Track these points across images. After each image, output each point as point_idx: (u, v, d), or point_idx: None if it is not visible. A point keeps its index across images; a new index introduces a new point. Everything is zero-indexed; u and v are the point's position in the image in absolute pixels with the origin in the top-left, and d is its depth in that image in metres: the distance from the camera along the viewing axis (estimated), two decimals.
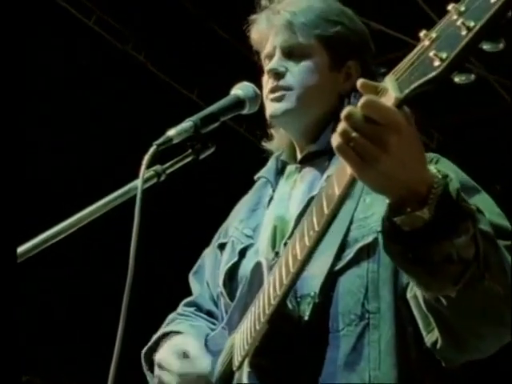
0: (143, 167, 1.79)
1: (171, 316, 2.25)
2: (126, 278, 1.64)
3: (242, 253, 2.03)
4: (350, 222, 1.78)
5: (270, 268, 1.80)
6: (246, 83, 2.03)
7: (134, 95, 5.96)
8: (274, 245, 1.94)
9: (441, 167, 1.54)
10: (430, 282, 1.48)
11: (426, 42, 1.30)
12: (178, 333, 2.11)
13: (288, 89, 1.98)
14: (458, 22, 1.25)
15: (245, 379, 1.76)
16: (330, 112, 1.96)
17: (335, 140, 1.36)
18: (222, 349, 1.95)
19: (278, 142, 2.13)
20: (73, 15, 5.71)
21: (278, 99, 1.99)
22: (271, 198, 2.08)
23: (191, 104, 6.19)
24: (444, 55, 1.26)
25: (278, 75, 2.00)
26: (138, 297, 1.68)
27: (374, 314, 1.73)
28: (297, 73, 1.99)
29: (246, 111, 2.01)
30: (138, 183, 1.76)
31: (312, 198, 1.80)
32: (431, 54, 1.28)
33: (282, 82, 1.99)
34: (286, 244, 1.86)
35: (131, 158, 1.98)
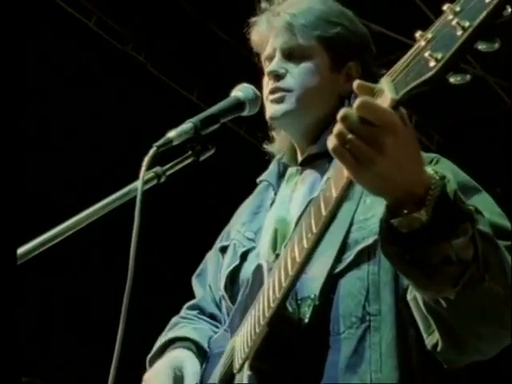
0: (143, 169, 1.78)
1: (174, 319, 2.25)
2: (126, 279, 1.64)
3: (244, 256, 2.03)
4: (350, 224, 1.78)
5: (270, 270, 1.80)
6: (246, 85, 2.02)
7: (133, 96, 5.96)
8: (274, 247, 1.94)
9: (440, 168, 1.53)
10: (429, 283, 1.48)
11: (422, 43, 1.30)
12: (181, 339, 2.11)
13: (288, 90, 1.98)
14: (453, 22, 1.25)
15: (245, 382, 1.76)
16: (331, 113, 1.96)
17: (331, 142, 1.35)
18: (224, 351, 1.95)
19: (279, 144, 2.13)
20: (73, 16, 5.71)
21: (278, 101, 1.99)
22: (273, 201, 2.08)
23: (191, 105, 6.19)
24: (439, 56, 1.26)
25: (277, 77, 2.00)
26: (138, 298, 1.68)
27: (375, 317, 1.72)
28: (297, 74, 1.99)
29: (246, 113, 2.01)
30: (138, 185, 1.76)
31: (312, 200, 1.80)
32: (426, 54, 1.27)
33: (281, 84, 1.99)
34: (286, 246, 1.86)
35: (131, 159, 1.98)
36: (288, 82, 1.99)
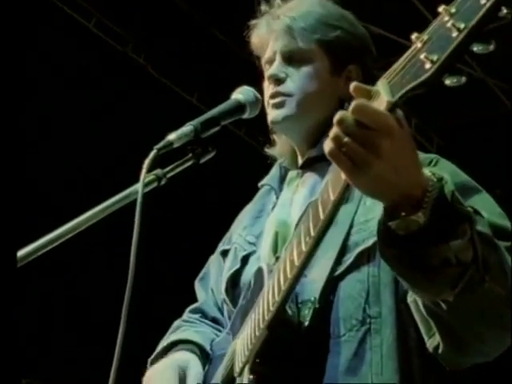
0: (144, 171, 1.78)
1: (176, 323, 2.25)
2: (127, 281, 1.64)
3: (245, 260, 2.03)
4: (351, 226, 1.78)
5: (271, 273, 1.80)
6: (246, 87, 2.02)
7: (133, 98, 5.95)
8: (275, 250, 1.94)
9: (439, 169, 1.53)
10: (428, 286, 1.47)
11: (418, 45, 1.30)
12: (184, 342, 2.11)
13: (288, 95, 1.98)
14: (449, 24, 1.25)
15: None
16: (331, 117, 1.92)
17: (327, 145, 1.35)
18: (226, 353, 1.95)
19: (281, 147, 2.13)
20: (73, 18, 5.71)
21: (279, 105, 1.99)
22: (275, 205, 2.07)
23: (191, 107, 6.19)
24: (435, 57, 1.26)
25: (278, 81, 2.00)
26: (139, 300, 1.68)
27: (376, 319, 1.72)
28: (297, 79, 1.99)
29: (246, 115, 2.01)
30: (138, 187, 1.76)
31: None
32: (422, 56, 1.27)
33: (282, 88, 1.99)
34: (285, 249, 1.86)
35: (131, 161, 1.98)
36: (288, 86, 1.99)
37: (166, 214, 5.75)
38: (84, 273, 6.00)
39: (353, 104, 1.32)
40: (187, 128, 1.87)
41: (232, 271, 2.04)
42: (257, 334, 1.75)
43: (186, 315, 2.27)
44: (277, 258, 1.88)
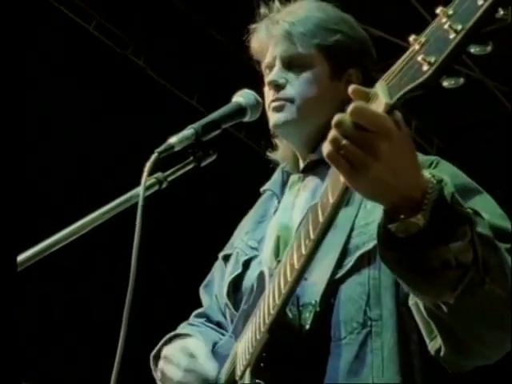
0: (145, 174, 1.78)
1: (182, 325, 2.25)
2: (128, 284, 1.64)
3: (246, 264, 2.04)
4: (351, 230, 1.78)
5: (271, 276, 1.80)
6: (247, 90, 2.02)
7: (133, 100, 5.95)
8: (277, 254, 1.94)
9: (439, 170, 1.53)
10: (428, 288, 1.47)
11: (416, 47, 1.29)
12: (187, 335, 2.12)
13: (288, 100, 1.98)
14: (446, 26, 1.24)
15: None
16: (331, 121, 1.96)
17: (325, 148, 1.35)
18: (230, 354, 1.95)
19: (283, 152, 2.13)
20: (73, 20, 5.71)
21: (279, 109, 1.99)
22: (276, 210, 2.07)
23: (191, 109, 6.19)
24: (432, 59, 1.25)
25: (278, 87, 2.00)
26: (140, 303, 1.68)
27: (377, 322, 1.72)
28: (297, 84, 1.99)
29: (247, 118, 2.01)
30: (139, 191, 1.76)
31: None
32: (420, 58, 1.27)
33: (282, 94, 1.99)
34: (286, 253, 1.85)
35: (132, 163, 1.99)
36: (288, 92, 1.99)
37: (167, 217, 5.75)
38: (85, 275, 5.99)
39: (351, 106, 1.32)
40: (188, 131, 1.87)
41: (234, 276, 2.05)
42: (258, 337, 1.75)
43: (192, 319, 2.28)
44: (278, 262, 1.87)
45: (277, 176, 2.15)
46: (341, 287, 1.76)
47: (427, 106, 5.22)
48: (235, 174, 6.13)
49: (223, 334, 2.15)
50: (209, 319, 2.23)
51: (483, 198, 1.75)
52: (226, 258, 2.16)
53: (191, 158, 1.89)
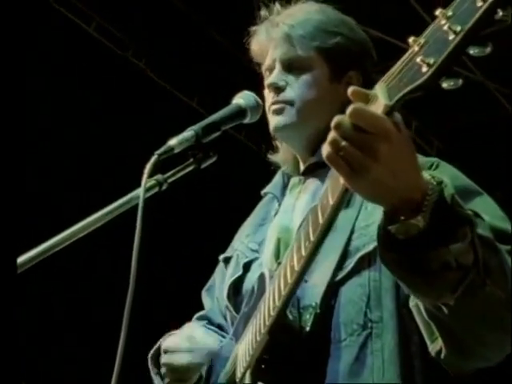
0: (145, 176, 1.78)
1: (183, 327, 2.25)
2: (128, 285, 1.64)
3: (247, 266, 2.04)
4: (352, 231, 1.78)
5: (272, 278, 1.80)
6: (247, 92, 2.02)
7: (133, 102, 5.95)
8: (278, 256, 1.94)
9: (439, 172, 1.53)
10: (428, 290, 1.47)
11: (415, 48, 1.29)
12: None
13: (288, 103, 1.98)
14: (445, 27, 1.24)
15: None
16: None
17: (325, 150, 1.35)
18: (231, 355, 1.95)
19: (283, 154, 2.13)
20: (73, 22, 5.71)
21: (279, 112, 1.99)
22: (277, 212, 2.07)
23: (191, 111, 6.19)
24: (431, 61, 1.25)
25: (278, 89, 2.00)
26: (140, 304, 1.68)
27: (377, 323, 1.72)
28: (296, 87, 1.99)
29: (247, 120, 2.01)
30: (139, 192, 1.76)
31: None
32: (419, 59, 1.27)
33: (282, 97, 1.99)
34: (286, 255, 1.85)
35: (132, 165, 1.99)
36: (288, 94, 1.99)
37: (167, 219, 5.75)
38: (86, 276, 6.00)
39: (350, 108, 1.31)
40: (188, 133, 1.87)
41: (234, 278, 2.05)
42: (258, 339, 1.75)
43: (194, 321, 2.27)
44: (279, 264, 1.87)
45: (277, 178, 2.14)
46: (341, 289, 1.76)
47: (427, 107, 5.22)
48: (235, 175, 6.13)
49: (224, 337, 2.15)
50: (210, 322, 2.23)
51: (483, 199, 1.75)
52: (227, 261, 2.16)
53: (191, 160, 1.88)
